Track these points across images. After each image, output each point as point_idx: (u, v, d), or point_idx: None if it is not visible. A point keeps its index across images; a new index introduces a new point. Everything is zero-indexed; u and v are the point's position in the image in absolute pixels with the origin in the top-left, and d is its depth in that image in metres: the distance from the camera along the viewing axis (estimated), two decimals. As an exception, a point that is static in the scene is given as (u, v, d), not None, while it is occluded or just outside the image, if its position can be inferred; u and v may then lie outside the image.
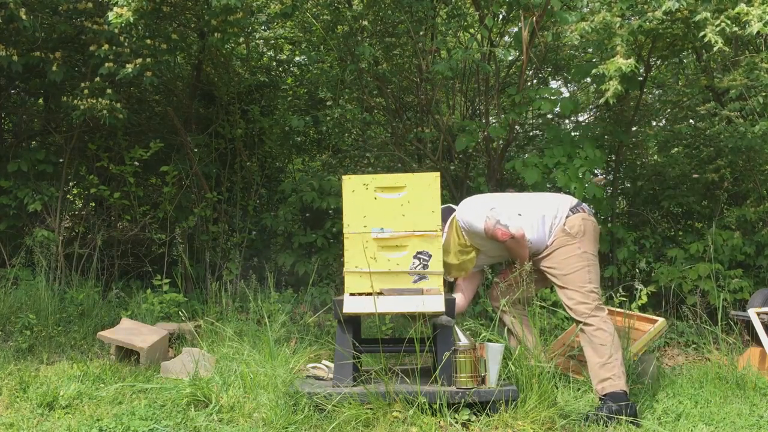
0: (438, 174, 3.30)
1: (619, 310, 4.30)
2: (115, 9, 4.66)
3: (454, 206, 3.70)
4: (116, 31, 4.82)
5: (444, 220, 3.52)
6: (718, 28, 4.12)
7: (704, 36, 4.17)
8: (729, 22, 4.12)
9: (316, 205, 6.18)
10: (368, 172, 6.50)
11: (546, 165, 5.35)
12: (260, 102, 6.76)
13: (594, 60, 5.94)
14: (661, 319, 3.99)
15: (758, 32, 4.07)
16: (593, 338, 3.33)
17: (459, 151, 6.19)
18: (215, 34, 5.65)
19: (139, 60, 5.03)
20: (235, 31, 5.64)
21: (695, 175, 6.01)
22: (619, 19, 4.49)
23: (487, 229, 3.45)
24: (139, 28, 5.24)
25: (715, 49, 4.18)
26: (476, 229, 3.50)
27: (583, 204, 3.62)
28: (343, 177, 3.34)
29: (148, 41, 5.17)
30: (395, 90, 6.66)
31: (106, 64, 5.05)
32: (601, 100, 4.50)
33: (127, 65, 4.99)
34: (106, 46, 5.04)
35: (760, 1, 4.12)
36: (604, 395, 3.24)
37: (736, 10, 4.10)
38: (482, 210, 3.51)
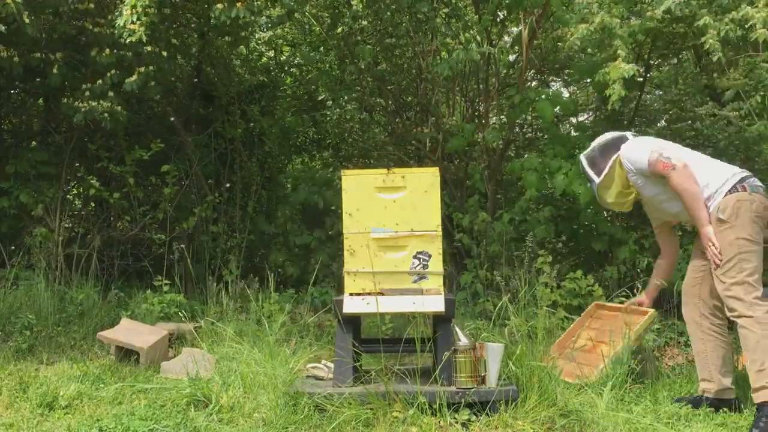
0: (437, 169, 3.29)
1: (609, 304, 4.28)
2: (128, 26, 4.67)
3: (621, 137, 3.61)
4: (116, 34, 4.82)
5: (608, 155, 3.53)
6: (722, 33, 4.10)
7: (705, 42, 4.15)
8: (733, 26, 4.10)
9: (312, 202, 6.19)
10: (368, 173, 6.50)
11: (545, 168, 5.35)
12: (260, 102, 6.77)
13: (595, 59, 5.94)
14: (651, 310, 3.97)
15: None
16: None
17: (449, 152, 6.20)
18: (225, 38, 5.64)
19: (143, 68, 5.03)
20: (244, 34, 5.63)
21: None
22: (618, 20, 4.49)
23: (650, 162, 3.30)
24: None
25: (715, 58, 4.15)
26: (639, 164, 3.38)
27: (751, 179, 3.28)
28: (343, 172, 3.33)
29: (149, 48, 5.17)
30: (394, 89, 6.66)
31: (109, 73, 5.05)
32: (609, 106, 4.50)
33: (132, 76, 4.99)
34: (108, 51, 5.04)
35: (764, 3, 4.11)
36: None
37: (741, 13, 4.08)
38: (649, 145, 3.40)
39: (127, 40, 4.70)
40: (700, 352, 3.39)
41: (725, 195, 3.19)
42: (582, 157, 3.71)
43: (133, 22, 4.67)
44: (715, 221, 3.18)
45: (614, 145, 3.55)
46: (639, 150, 3.41)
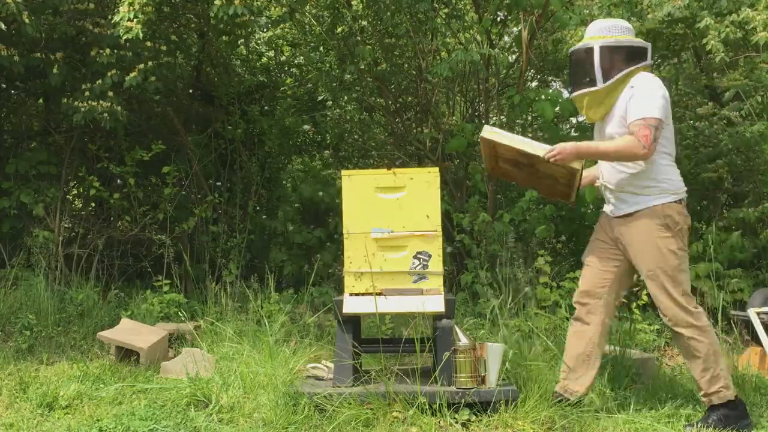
0: (437, 169, 3.29)
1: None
2: (125, 23, 4.68)
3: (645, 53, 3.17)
4: (121, 41, 4.84)
5: (627, 64, 3.11)
6: (722, 35, 4.10)
7: (706, 42, 4.15)
8: (733, 28, 4.10)
9: (316, 198, 6.19)
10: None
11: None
12: (260, 102, 6.77)
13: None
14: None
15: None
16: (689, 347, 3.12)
17: (449, 152, 6.20)
18: (223, 37, 5.65)
19: (141, 65, 5.04)
20: (243, 33, 5.64)
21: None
22: None
23: (642, 119, 3.00)
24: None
25: (717, 59, 4.15)
26: (635, 108, 3.04)
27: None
28: (343, 172, 3.34)
29: (148, 43, 5.19)
30: (394, 89, 6.66)
31: (109, 73, 5.06)
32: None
33: (131, 73, 5.00)
34: (108, 51, 5.05)
35: (764, 6, 4.11)
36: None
37: (742, 16, 4.08)
38: (657, 104, 3.03)
39: (123, 37, 4.71)
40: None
41: (673, 202, 3.10)
42: (598, 46, 3.13)
43: (130, 20, 4.68)
44: (661, 226, 3.09)
45: (637, 58, 3.15)
46: (650, 99, 3.06)
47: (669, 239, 3.08)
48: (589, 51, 3.13)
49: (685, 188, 3.21)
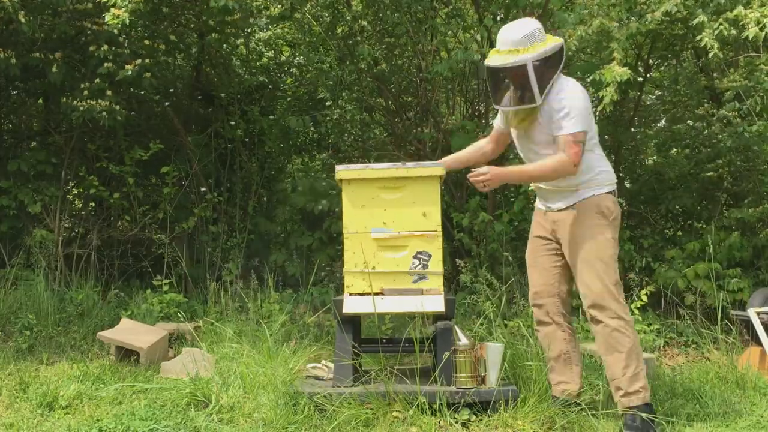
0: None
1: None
2: (111, 10, 4.69)
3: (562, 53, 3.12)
4: (115, 32, 4.84)
5: (552, 71, 3.06)
6: (716, 32, 4.11)
7: (701, 39, 4.16)
8: (727, 25, 4.11)
9: (309, 209, 6.18)
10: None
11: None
12: (260, 102, 6.77)
13: (593, 60, 5.94)
14: None
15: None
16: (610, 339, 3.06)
17: (454, 151, 6.19)
18: (212, 35, 5.66)
19: (138, 61, 5.05)
20: (233, 31, 5.63)
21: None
22: (616, 24, 4.49)
23: (570, 133, 2.99)
24: (138, 29, 5.28)
25: (710, 54, 4.16)
26: (568, 121, 3.01)
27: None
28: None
29: (147, 42, 5.20)
30: (395, 89, 6.66)
31: (105, 64, 5.06)
32: (599, 107, 4.50)
33: (127, 66, 5.00)
34: (105, 47, 5.06)
35: (758, 4, 4.12)
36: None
37: (734, 12, 4.09)
38: (583, 112, 3.03)
39: (109, 21, 4.70)
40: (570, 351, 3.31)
41: (607, 193, 3.14)
42: (531, 63, 3.04)
43: (117, 7, 4.68)
44: (597, 214, 3.10)
45: (559, 59, 3.10)
46: (577, 112, 3.03)
47: (605, 227, 3.10)
48: (522, 68, 3.04)
49: (616, 180, 3.26)
